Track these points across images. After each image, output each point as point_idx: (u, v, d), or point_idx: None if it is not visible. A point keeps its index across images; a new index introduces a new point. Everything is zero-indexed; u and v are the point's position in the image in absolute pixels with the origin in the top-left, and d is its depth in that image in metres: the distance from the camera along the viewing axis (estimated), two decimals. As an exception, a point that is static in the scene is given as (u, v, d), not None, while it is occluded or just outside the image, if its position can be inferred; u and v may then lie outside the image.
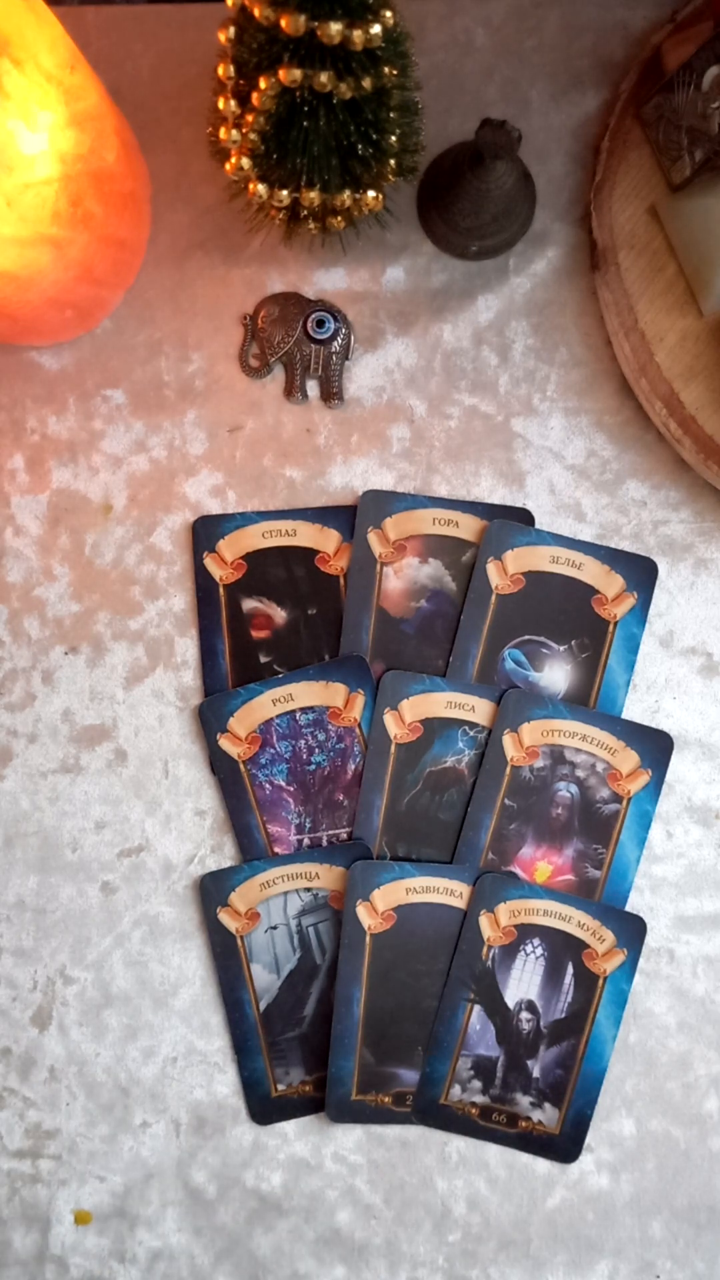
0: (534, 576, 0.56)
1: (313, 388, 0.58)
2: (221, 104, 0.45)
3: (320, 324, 0.56)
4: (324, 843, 0.56)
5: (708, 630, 0.57)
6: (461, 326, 0.57)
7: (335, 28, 0.40)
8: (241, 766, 0.56)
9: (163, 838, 0.57)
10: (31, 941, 0.57)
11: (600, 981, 0.55)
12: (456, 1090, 0.55)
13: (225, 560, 0.57)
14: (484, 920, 0.55)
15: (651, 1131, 0.55)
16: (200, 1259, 0.55)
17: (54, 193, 0.45)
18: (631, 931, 0.55)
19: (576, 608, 0.56)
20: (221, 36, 0.44)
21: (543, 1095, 0.55)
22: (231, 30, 0.43)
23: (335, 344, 0.57)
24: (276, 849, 0.56)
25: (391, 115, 0.46)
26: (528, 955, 0.55)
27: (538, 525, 0.57)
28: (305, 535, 0.57)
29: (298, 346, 0.57)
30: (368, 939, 0.55)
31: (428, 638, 0.57)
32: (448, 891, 0.55)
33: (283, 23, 0.40)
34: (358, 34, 0.40)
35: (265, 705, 0.56)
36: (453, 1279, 0.55)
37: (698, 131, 0.52)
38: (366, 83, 0.43)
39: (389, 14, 0.41)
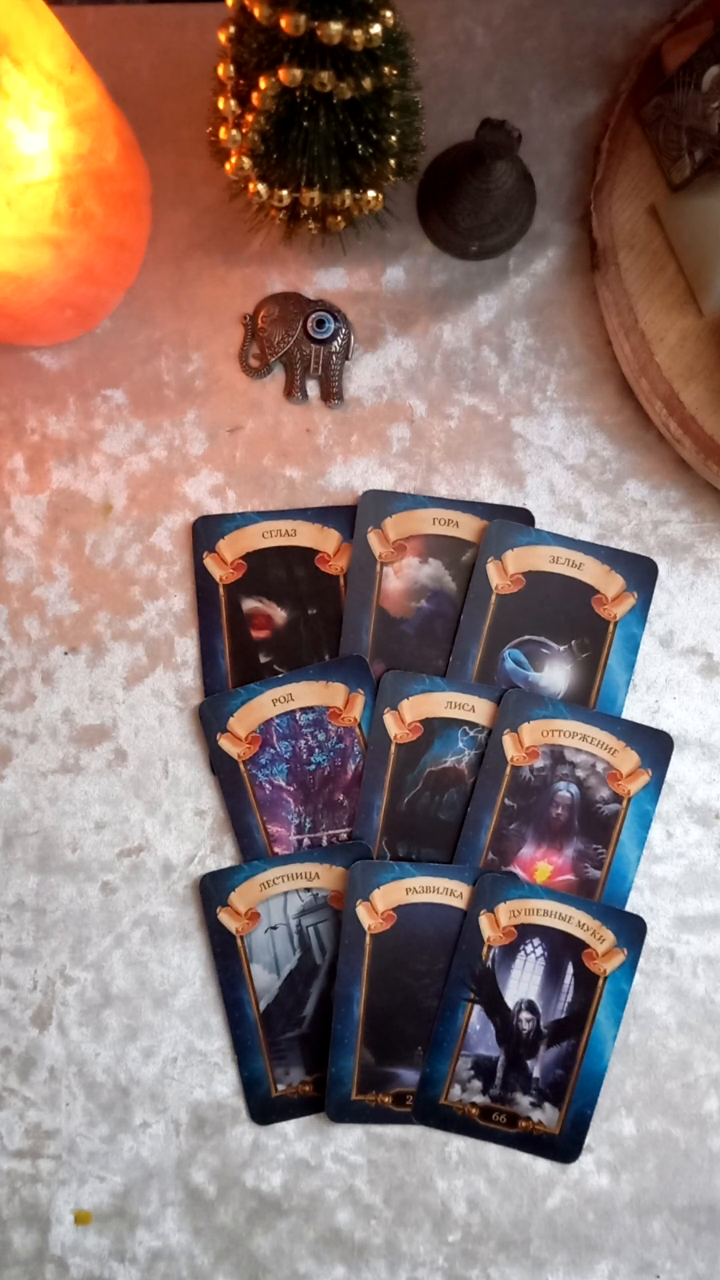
0: (534, 576, 0.56)
1: (313, 388, 0.58)
2: (221, 104, 0.45)
3: (320, 324, 0.56)
4: (324, 843, 0.56)
5: (708, 630, 0.57)
6: (461, 326, 0.57)
7: (335, 28, 0.40)
8: (241, 766, 0.56)
9: (163, 838, 0.57)
10: (31, 941, 0.57)
11: (600, 981, 0.55)
12: (456, 1090, 0.55)
13: (225, 560, 0.57)
14: (484, 920, 0.55)
15: (651, 1131, 0.55)
16: (200, 1259, 0.55)
17: (54, 193, 0.45)
18: (631, 931, 0.55)
19: (576, 608, 0.56)
20: (221, 36, 0.44)
21: (543, 1095, 0.55)
22: (231, 30, 0.43)
23: (335, 344, 0.57)
24: (276, 849, 0.56)
25: (391, 115, 0.46)
26: (528, 955, 0.55)
27: (538, 525, 0.57)
28: (305, 535, 0.57)
29: (298, 346, 0.57)
30: (368, 939, 0.55)
31: (428, 638, 0.57)
32: (448, 891, 0.55)
33: (283, 23, 0.40)
34: (358, 34, 0.40)
35: (265, 705, 0.56)
36: (453, 1279, 0.55)
37: (698, 131, 0.52)
38: (366, 83, 0.43)
39: (389, 14, 0.41)
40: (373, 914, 0.55)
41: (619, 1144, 0.55)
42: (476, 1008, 0.55)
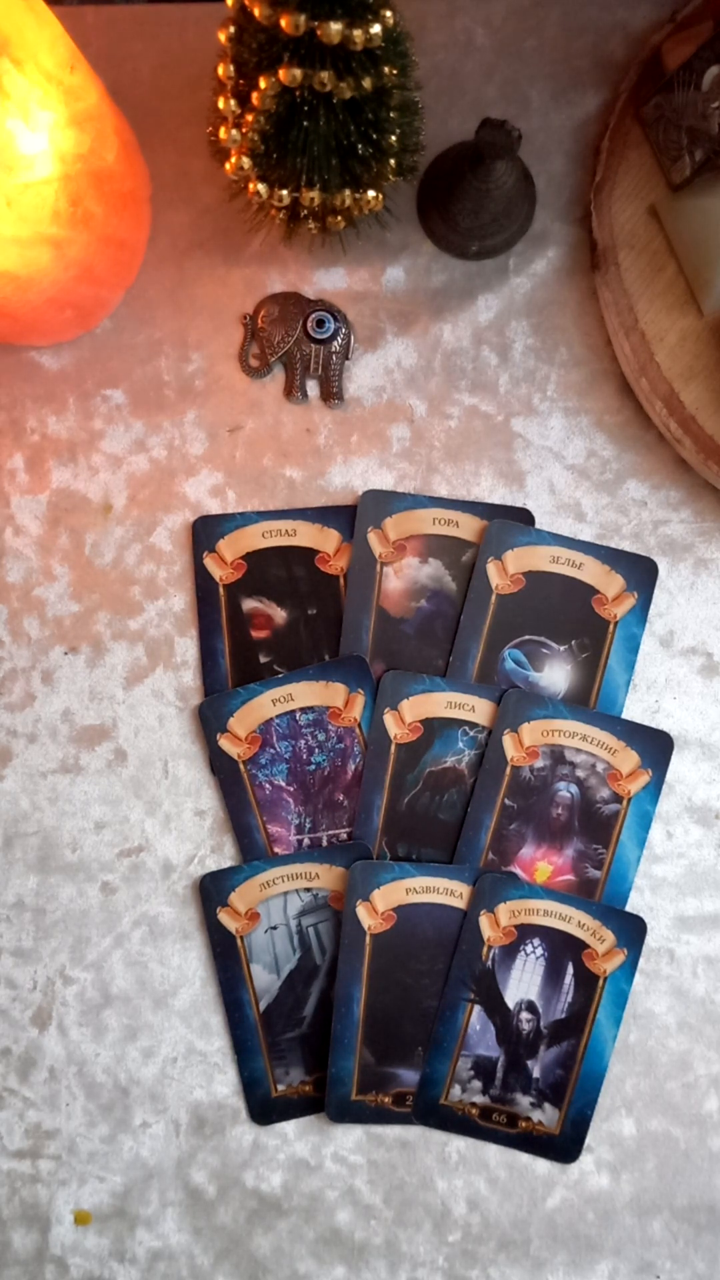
0: (534, 576, 0.56)
1: (313, 388, 0.58)
2: (221, 104, 0.45)
3: (320, 324, 0.56)
4: (324, 843, 0.56)
5: (708, 630, 0.57)
6: (461, 326, 0.57)
7: (335, 28, 0.40)
8: (241, 766, 0.56)
9: (163, 838, 0.57)
10: (31, 941, 0.57)
11: (600, 981, 0.55)
12: (456, 1090, 0.55)
13: (225, 560, 0.57)
14: (484, 920, 0.55)
15: (651, 1131, 0.55)
16: (200, 1259, 0.55)
17: (54, 193, 0.45)
18: (631, 931, 0.55)
19: (576, 608, 0.56)
20: (221, 36, 0.44)
21: (543, 1095, 0.55)
22: (231, 30, 0.43)
23: (335, 344, 0.57)
24: (276, 849, 0.56)
25: (391, 115, 0.46)
26: (528, 955, 0.55)
27: (538, 525, 0.57)
28: (305, 535, 0.57)
29: (298, 346, 0.57)
30: (368, 939, 0.55)
31: (428, 638, 0.57)
32: (448, 891, 0.55)
33: (283, 23, 0.40)
34: (358, 34, 0.40)
35: (265, 705, 0.56)
36: (453, 1279, 0.55)
37: (698, 131, 0.52)
38: (366, 83, 0.43)
39: (389, 14, 0.41)
40: (373, 914, 0.55)
41: (619, 1144, 0.55)
42: (476, 1008, 0.55)
